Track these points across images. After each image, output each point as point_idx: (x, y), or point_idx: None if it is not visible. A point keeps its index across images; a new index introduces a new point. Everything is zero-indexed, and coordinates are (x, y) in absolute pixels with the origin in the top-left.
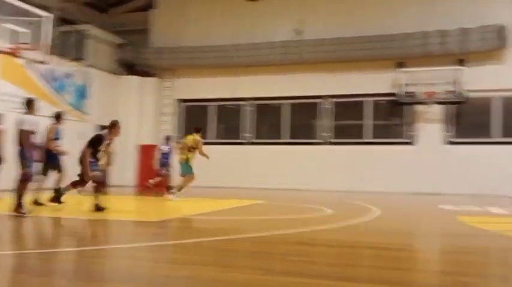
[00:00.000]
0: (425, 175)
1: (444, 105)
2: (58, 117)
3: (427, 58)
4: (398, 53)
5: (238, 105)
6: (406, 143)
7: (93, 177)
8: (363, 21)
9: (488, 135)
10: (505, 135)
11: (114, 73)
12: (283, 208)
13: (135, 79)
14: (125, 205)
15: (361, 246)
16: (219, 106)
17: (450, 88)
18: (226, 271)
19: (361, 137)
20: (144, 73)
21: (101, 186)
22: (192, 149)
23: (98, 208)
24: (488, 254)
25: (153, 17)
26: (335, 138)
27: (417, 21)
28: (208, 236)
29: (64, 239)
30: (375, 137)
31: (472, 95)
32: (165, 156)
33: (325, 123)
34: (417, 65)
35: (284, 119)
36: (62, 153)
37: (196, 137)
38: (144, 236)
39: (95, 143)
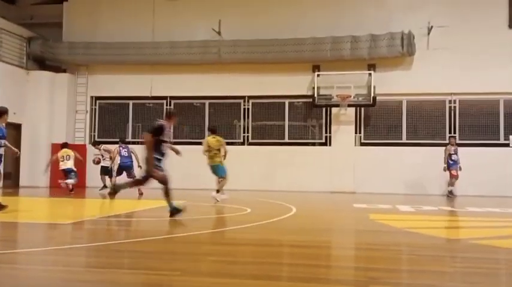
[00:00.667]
0: (341, 174)
1: (356, 108)
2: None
3: (340, 62)
4: (312, 57)
5: (157, 103)
6: (322, 144)
7: (158, 177)
8: (279, 24)
9: (397, 136)
10: (410, 137)
11: (23, 67)
12: (202, 208)
13: (45, 74)
14: (35, 206)
15: (278, 244)
16: (136, 104)
17: (362, 91)
18: (143, 274)
19: (280, 138)
20: (56, 69)
21: (166, 186)
22: (218, 150)
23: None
24: (396, 250)
25: (67, 10)
26: (253, 138)
27: (330, 26)
28: (125, 238)
29: None
30: (292, 138)
31: (381, 98)
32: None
33: (245, 123)
34: (331, 68)
35: (204, 119)
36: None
37: (218, 137)
38: (57, 239)
39: (158, 133)
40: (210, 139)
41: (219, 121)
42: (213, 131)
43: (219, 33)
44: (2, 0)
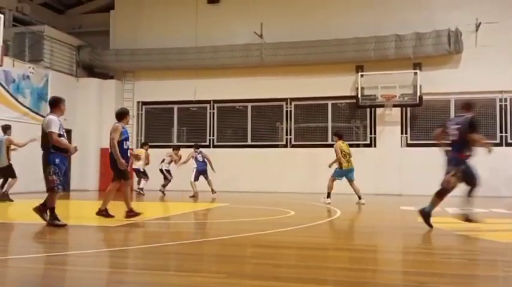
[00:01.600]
0: (387, 176)
1: (402, 108)
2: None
3: (384, 62)
4: (356, 57)
5: (201, 107)
6: (367, 145)
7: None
8: (322, 25)
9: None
10: None
11: (73, 75)
12: (247, 211)
13: (94, 81)
14: (86, 210)
15: (323, 247)
16: (181, 108)
17: (407, 91)
18: (188, 276)
19: (323, 140)
20: (104, 75)
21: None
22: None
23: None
24: (445, 254)
25: (113, 18)
26: (296, 141)
27: (373, 25)
28: (169, 241)
29: (22, 245)
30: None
31: (427, 98)
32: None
33: (288, 126)
34: (375, 69)
35: (247, 122)
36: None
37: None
38: (105, 242)
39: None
40: (343, 145)
41: (262, 124)
42: (340, 136)
43: (261, 36)
44: (53, 11)
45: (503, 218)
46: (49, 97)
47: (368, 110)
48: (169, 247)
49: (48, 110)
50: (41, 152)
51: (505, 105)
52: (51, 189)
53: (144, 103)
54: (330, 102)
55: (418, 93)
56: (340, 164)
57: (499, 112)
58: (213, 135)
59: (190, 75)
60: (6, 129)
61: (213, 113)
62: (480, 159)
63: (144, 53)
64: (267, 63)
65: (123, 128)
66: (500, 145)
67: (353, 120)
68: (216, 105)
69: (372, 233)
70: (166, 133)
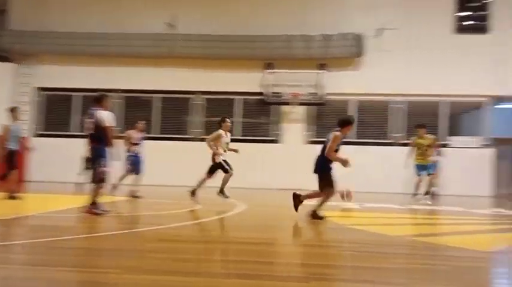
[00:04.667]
0: (291, 172)
1: (306, 107)
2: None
3: (292, 61)
4: (265, 54)
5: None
6: (273, 141)
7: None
8: (233, 20)
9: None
10: (359, 136)
11: None
12: (148, 204)
13: None
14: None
15: (223, 241)
16: (86, 97)
17: (312, 90)
18: (84, 272)
19: (232, 134)
20: (3, 58)
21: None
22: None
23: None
24: (340, 247)
25: None
26: (206, 134)
27: (283, 24)
28: (65, 235)
29: None
30: (243, 135)
31: (331, 98)
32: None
33: (196, 119)
34: (283, 66)
35: (155, 114)
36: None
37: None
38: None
39: None
40: (428, 137)
41: (170, 116)
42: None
43: (172, 26)
44: None
45: (392, 212)
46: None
47: (275, 107)
48: (64, 242)
49: None
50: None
51: (401, 108)
52: (100, 180)
53: (44, 89)
54: (238, 98)
55: (322, 93)
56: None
57: (395, 114)
58: (119, 126)
59: (98, 62)
60: None
61: (120, 102)
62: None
63: (47, 35)
64: (178, 55)
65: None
66: (391, 144)
67: (261, 117)
68: (123, 94)
69: (271, 226)
70: (67, 122)
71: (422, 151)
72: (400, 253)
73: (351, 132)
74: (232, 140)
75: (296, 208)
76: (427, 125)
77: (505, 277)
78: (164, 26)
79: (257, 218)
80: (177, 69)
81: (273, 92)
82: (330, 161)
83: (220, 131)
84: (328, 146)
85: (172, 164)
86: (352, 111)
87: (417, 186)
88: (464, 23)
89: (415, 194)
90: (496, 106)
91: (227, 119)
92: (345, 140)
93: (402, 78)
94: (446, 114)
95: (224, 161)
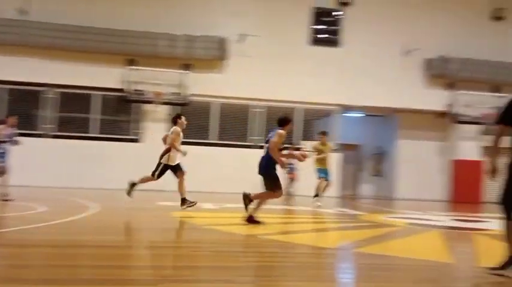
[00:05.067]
0: (150, 171)
1: (169, 106)
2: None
3: (156, 59)
4: (128, 50)
5: None
6: (133, 140)
7: None
8: (96, 12)
9: (206, 137)
10: (221, 138)
11: None
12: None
13: None
14: None
15: (73, 245)
16: None
17: (176, 90)
18: None
19: (88, 132)
20: None
21: None
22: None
23: None
24: (193, 247)
25: None
26: (59, 131)
27: (148, 21)
28: None
29: None
30: (102, 133)
31: (194, 98)
32: None
33: (47, 114)
34: (147, 64)
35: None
36: None
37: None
38: None
39: None
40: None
41: (18, 110)
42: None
43: (24, 12)
44: None
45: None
46: None
47: (136, 105)
48: None
49: None
50: None
51: (260, 112)
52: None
53: None
54: (96, 93)
55: (186, 94)
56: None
57: (254, 118)
58: None
59: None
60: None
61: None
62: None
63: None
64: (29, 43)
65: None
66: (252, 147)
67: (120, 114)
68: None
69: (124, 229)
70: None
71: (323, 156)
72: (250, 252)
73: (213, 134)
74: (90, 138)
75: (246, 207)
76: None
77: (347, 272)
78: (15, 11)
79: (110, 219)
80: (28, 59)
81: (135, 90)
82: (275, 161)
83: (178, 129)
84: (272, 142)
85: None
86: (214, 113)
87: (319, 188)
88: (318, 36)
89: (315, 195)
90: (344, 114)
91: (183, 116)
92: (207, 141)
93: (262, 83)
94: (301, 120)
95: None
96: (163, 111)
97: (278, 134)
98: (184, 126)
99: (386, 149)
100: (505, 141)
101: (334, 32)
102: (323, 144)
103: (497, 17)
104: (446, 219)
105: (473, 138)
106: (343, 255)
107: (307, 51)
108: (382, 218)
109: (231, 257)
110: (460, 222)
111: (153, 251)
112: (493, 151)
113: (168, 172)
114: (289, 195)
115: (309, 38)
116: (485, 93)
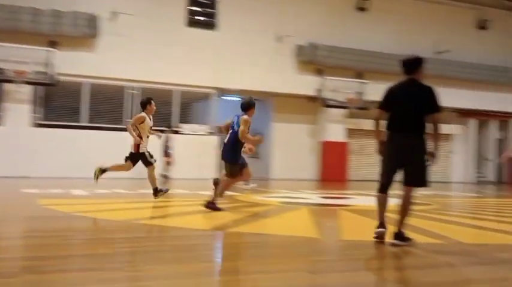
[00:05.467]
0: (14, 157)
1: (34, 86)
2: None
3: (19, 34)
4: None
5: None
6: None
7: None
8: None
9: (77, 119)
10: (93, 120)
11: None
12: None
13: None
14: None
15: None
16: None
17: (41, 69)
18: None
19: None
20: None
21: None
22: None
23: None
24: (59, 236)
25: None
26: None
27: None
28: None
29: None
30: None
31: (63, 78)
32: None
33: None
34: (7, 40)
35: None
36: None
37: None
38: None
39: None
40: None
41: None
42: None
43: None
44: None
45: (122, 198)
46: None
47: None
48: None
49: None
50: None
51: (134, 94)
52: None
53: None
54: None
55: (53, 73)
56: None
57: (129, 99)
58: None
59: None
60: None
61: None
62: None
63: None
64: None
65: None
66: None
67: None
68: None
69: None
70: None
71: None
72: (123, 238)
73: (85, 116)
74: None
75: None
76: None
77: (222, 252)
78: None
79: None
80: None
81: None
82: (239, 148)
83: (144, 114)
84: (240, 130)
85: None
86: (85, 95)
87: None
88: (196, 18)
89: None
90: (221, 97)
91: (153, 101)
92: (78, 124)
93: (137, 64)
94: (179, 103)
95: (148, 152)
96: (27, 91)
97: (244, 121)
98: (153, 112)
99: (263, 132)
100: (382, 125)
101: (211, 15)
102: None
103: (361, 8)
104: (316, 197)
105: (340, 121)
106: (219, 235)
107: (184, 32)
108: (257, 198)
109: (102, 245)
110: (327, 199)
111: (16, 241)
112: (376, 133)
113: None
114: (166, 178)
115: (186, 19)
116: (350, 79)
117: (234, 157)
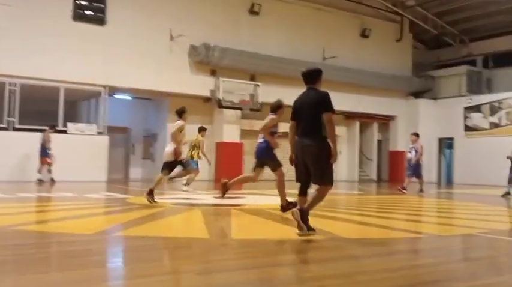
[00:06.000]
0: None
1: None
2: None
3: None
4: None
5: None
6: None
7: None
8: None
9: None
10: None
11: None
12: None
13: None
14: None
15: None
16: None
17: None
18: None
19: None
20: None
21: None
22: (196, 147)
23: None
24: None
25: None
26: None
27: None
28: None
29: None
30: None
31: None
32: None
33: None
34: None
35: None
36: None
37: (199, 137)
38: None
39: None
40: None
41: None
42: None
43: None
44: None
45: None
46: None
47: None
48: None
49: None
50: None
51: (14, 90)
52: None
53: None
54: None
55: None
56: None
57: (8, 96)
58: None
59: None
60: None
61: None
62: None
63: None
64: None
65: None
66: (7, 129)
67: None
68: None
69: None
70: None
71: (196, 149)
72: (1, 245)
73: None
74: None
75: (223, 195)
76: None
77: (111, 256)
78: None
79: None
80: None
81: None
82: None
83: (183, 122)
84: (263, 124)
85: None
86: None
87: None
88: (84, 12)
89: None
90: (112, 96)
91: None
92: None
93: (18, 59)
94: (64, 101)
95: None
96: None
97: (271, 119)
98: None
99: (157, 132)
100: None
101: (100, 10)
102: (201, 137)
103: (254, 12)
104: (209, 197)
105: (235, 122)
106: (104, 240)
107: (71, 27)
108: None
109: None
110: (221, 199)
111: None
112: (289, 143)
113: None
114: (41, 182)
115: (73, 13)
116: (244, 81)
117: (268, 154)
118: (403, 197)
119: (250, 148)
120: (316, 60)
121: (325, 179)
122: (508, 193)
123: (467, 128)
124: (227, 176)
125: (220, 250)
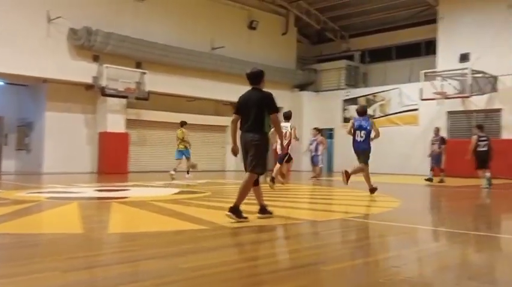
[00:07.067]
0: None
1: None
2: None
3: None
4: None
5: None
6: None
7: None
8: None
9: None
10: None
11: None
12: None
13: None
14: None
15: None
16: None
17: None
18: None
19: None
20: None
21: None
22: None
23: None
24: None
25: None
26: None
27: None
28: None
29: None
30: None
31: None
32: None
33: None
34: None
35: None
36: None
37: (184, 130)
38: None
39: None
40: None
41: None
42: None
43: None
44: None
45: None
46: None
47: None
48: None
49: None
50: None
51: None
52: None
53: None
54: None
55: None
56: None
57: None
58: None
59: None
60: None
61: None
62: None
63: None
64: None
65: None
66: None
67: None
68: None
69: None
70: None
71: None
72: None
73: None
74: None
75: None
76: None
77: None
78: None
79: None
80: None
81: None
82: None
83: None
84: (375, 130)
85: None
86: None
87: (177, 166)
88: None
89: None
90: None
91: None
92: None
93: None
94: None
95: None
96: None
97: (374, 122)
98: None
99: (33, 121)
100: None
101: None
102: (184, 133)
103: None
104: (90, 190)
105: (120, 112)
106: None
107: None
108: (20, 194)
109: None
110: (102, 192)
111: None
112: (231, 135)
113: None
114: None
115: None
116: (129, 69)
117: (367, 149)
118: (289, 186)
119: (136, 138)
120: (204, 49)
121: (257, 168)
122: (430, 179)
123: (346, 120)
124: (111, 169)
125: (93, 245)
